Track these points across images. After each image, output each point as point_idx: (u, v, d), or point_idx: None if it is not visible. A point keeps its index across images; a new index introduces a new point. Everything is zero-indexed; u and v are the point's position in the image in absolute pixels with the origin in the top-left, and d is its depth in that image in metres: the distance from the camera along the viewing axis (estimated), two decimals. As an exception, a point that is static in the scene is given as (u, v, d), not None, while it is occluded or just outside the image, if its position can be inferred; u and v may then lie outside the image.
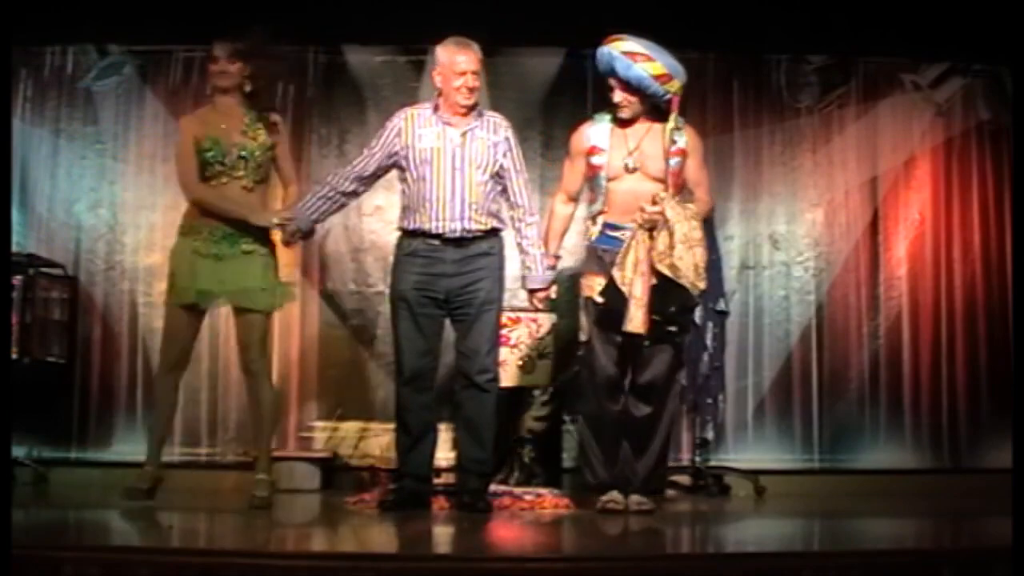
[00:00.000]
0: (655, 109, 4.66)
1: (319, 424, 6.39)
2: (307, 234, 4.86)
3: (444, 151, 4.64)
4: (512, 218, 4.79)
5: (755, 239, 6.57)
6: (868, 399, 6.52)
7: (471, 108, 4.70)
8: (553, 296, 4.92)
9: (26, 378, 5.68)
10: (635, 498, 4.61)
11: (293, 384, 6.44)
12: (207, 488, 5.76)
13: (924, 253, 6.63)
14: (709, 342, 6.12)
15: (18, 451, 5.89)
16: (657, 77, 4.54)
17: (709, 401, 6.16)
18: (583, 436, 4.77)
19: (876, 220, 6.63)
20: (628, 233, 4.53)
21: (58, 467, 6.10)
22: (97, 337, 6.36)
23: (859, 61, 6.71)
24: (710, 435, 6.18)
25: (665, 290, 4.46)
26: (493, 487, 5.01)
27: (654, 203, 4.50)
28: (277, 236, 4.77)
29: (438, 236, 4.63)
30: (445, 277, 4.64)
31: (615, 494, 4.62)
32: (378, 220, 6.50)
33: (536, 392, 5.74)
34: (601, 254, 4.63)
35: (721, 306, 6.16)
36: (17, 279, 5.83)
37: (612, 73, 4.60)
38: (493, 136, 4.71)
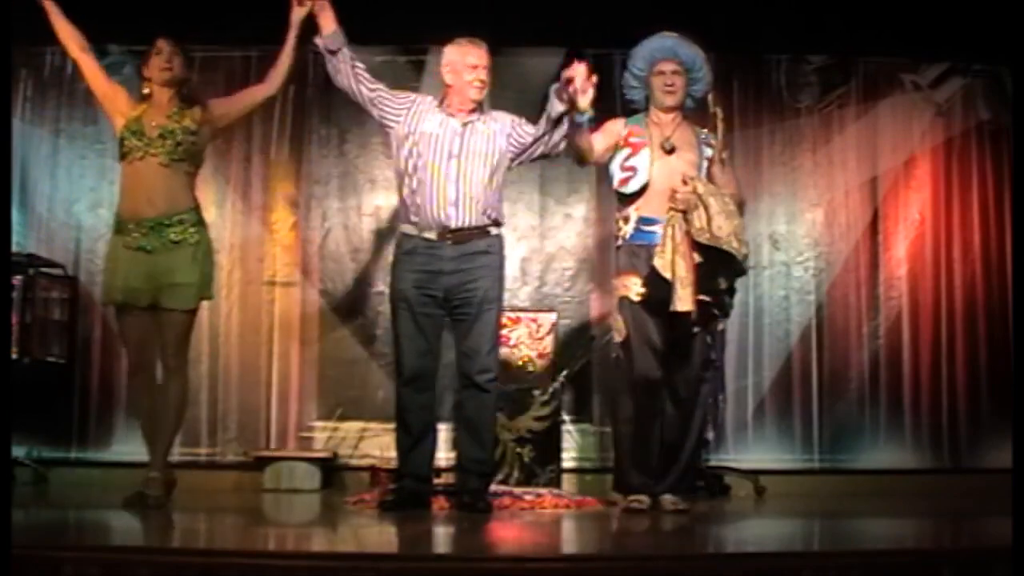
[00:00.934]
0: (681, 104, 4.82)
1: (319, 424, 6.39)
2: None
3: (443, 139, 4.65)
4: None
5: (755, 239, 6.55)
6: (868, 399, 6.52)
7: (478, 105, 4.71)
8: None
9: (26, 378, 5.68)
10: (669, 498, 4.62)
11: (293, 384, 6.44)
12: (207, 488, 5.76)
13: (924, 253, 6.63)
14: (709, 342, 6.12)
15: (18, 451, 5.90)
16: (706, 62, 4.82)
17: (709, 401, 6.15)
18: (619, 438, 4.72)
19: (876, 220, 6.63)
20: (662, 226, 4.55)
21: (58, 467, 6.11)
22: (97, 337, 6.35)
23: (859, 61, 6.72)
24: (710, 435, 6.17)
25: (710, 265, 4.48)
26: (493, 487, 5.01)
27: (685, 184, 4.54)
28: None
29: (436, 230, 4.63)
30: (444, 275, 4.63)
31: (641, 496, 4.62)
32: (378, 220, 6.51)
33: (536, 392, 5.74)
34: (636, 251, 4.63)
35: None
36: (17, 279, 5.83)
37: (672, 57, 4.75)
38: (494, 125, 4.72)
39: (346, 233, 6.56)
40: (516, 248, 6.44)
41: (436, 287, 4.64)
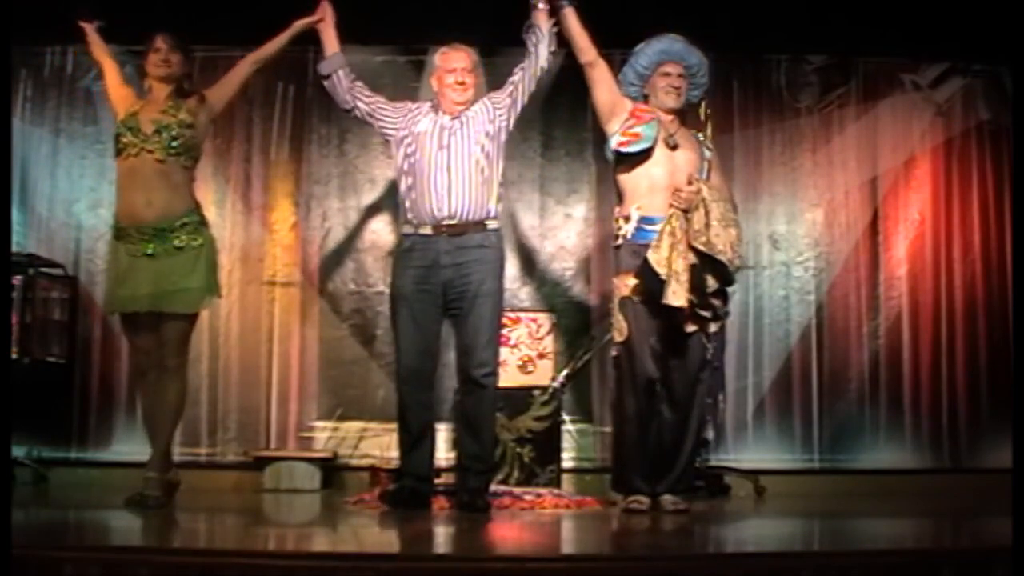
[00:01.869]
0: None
1: (319, 424, 6.39)
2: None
3: (434, 134, 4.73)
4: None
5: (755, 239, 6.56)
6: (868, 399, 6.52)
7: (467, 105, 4.79)
8: None
9: (26, 378, 5.68)
10: (669, 498, 4.62)
11: (293, 384, 6.44)
12: (207, 488, 5.76)
13: (924, 253, 6.63)
14: (709, 342, 6.12)
15: (18, 451, 5.89)
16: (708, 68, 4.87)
17: (709, 401, 6.15)
18: (619, 437, 4.72)
19: (876, 220, 6.63)
20: (664, 221, 4.56)
21: (58, 467, 6.10)
22: (97, 337, 6.35)
23: (859, 61, 6.71)
24: (710, 435, 6.16)
25: (702, 269, 4.50)
26: (493, 487, 5.01)
27: (690, 183, 4.56)
28: None
29: (431, 224, 4.66)
30: (440, 268, 4.65)
31: (640, 496, 4.62)
32: (378, 220, 6.51)
33: (536, 392, 5.74)
34: (638, 250, 4.61)
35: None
36: (17, 279, 5.83)
37: (680, 60, 4.77)
38: (476, 110, 4.80)
39: (346, 233, 6.56)
40: (516, 248, 6.44)
41: (434, 281, 4.66)
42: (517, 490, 5.34)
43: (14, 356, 5.68)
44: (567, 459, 6.05)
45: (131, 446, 6.01)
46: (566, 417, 6.03)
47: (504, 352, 5.50)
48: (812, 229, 6.65)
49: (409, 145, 4.77)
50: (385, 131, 4.88)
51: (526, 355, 5.88)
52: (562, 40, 4.79)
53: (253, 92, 6.49)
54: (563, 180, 6.62)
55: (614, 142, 4.72)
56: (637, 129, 4.68)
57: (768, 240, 6.62)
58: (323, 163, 6.59)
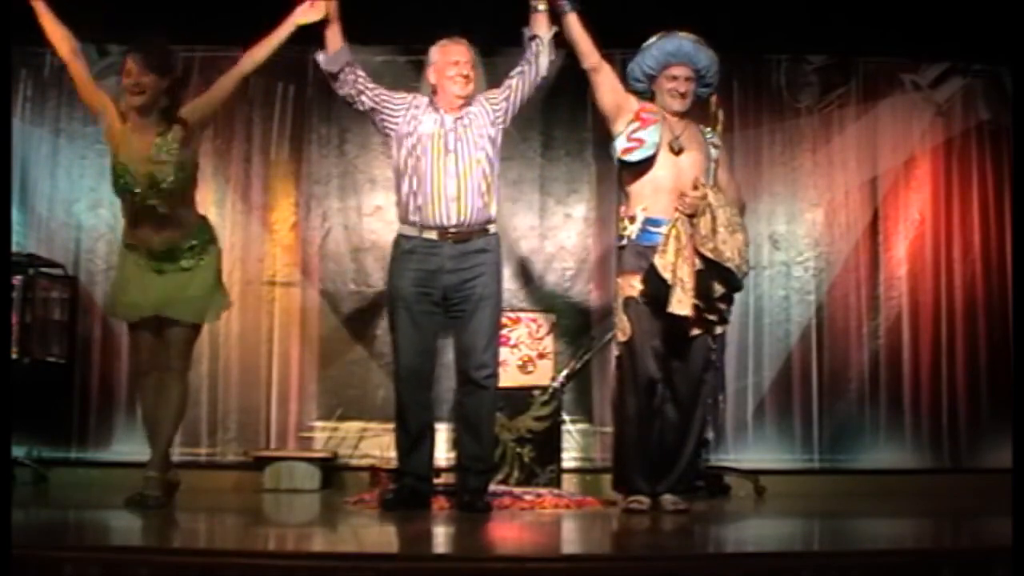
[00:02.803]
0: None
1: (319, 424, 6.39)
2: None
3: (439, 137, 4.66)
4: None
5: (755, 239, 6.53)
6: (868, 399, 6.52)
7: (466, 100, 4.72)
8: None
9: (26, 378, 5.68)
10: (670, 498, 4.62)
11: (293, 384, 6.45)
12: (207, 488, 5.76)
13: (924, 253, 6.63)
14: (711, 345, 6.12)
15: (18, 451, 5.89)
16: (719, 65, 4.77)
17: (709, 401, 6.15)
18: (620, 437, 4.72)
19: (876, 220, 6.64)
20: (669, 225, 4.54)
21: (58, 467, 6.11)
22: (97, 337, 6.35)
23: (859, 61, 6.72)
24: (710, 435, 6.16)
25: (708, 275, 4.48)
26: (493, 487, 5.01)
27: (695, 188, 4.53)
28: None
29: (436, 230, 4.63)
30: (442, 273, 4.64)
31: (641, 496, 4.62)
32: (378, 220, 6.51)
33: (536, 392, 5.74)
34: (642, 251, 4.59)
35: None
36: (17, 279, 5.83)
37: (687, 62, 4.70)
38: (475, 110, 4.73)
39: (346, 233, 6.56)
40: (516, 248, 6.44)
41: (435, 286, 4.64)
42: (517, 490, 5.34)
43: (14, 356, 5.68)
44: (567, 459, 6.05)
45: (131, 446, 6.01)
46: (566, 417, 6.03)
47: (504, 352, 5.50)
48: (812, 229, 6.65)
49: (412, 145, 4.68)
50: (387, 125, 4.76)
51: (526, 355, 5.88)
52: (561, 41, 4.77)
53: (253, 92, 6.50)
54: (563, 180, 6.62)
55: (619, 147, 4.69)
56: (640, 135, 4.65)
57: (768, 240, 6.62)
58: (323, 163, 6.60)
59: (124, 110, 4.51)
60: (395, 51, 6.52)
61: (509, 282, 5.99)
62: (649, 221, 4.62)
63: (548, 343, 5.91)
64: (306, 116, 6.58)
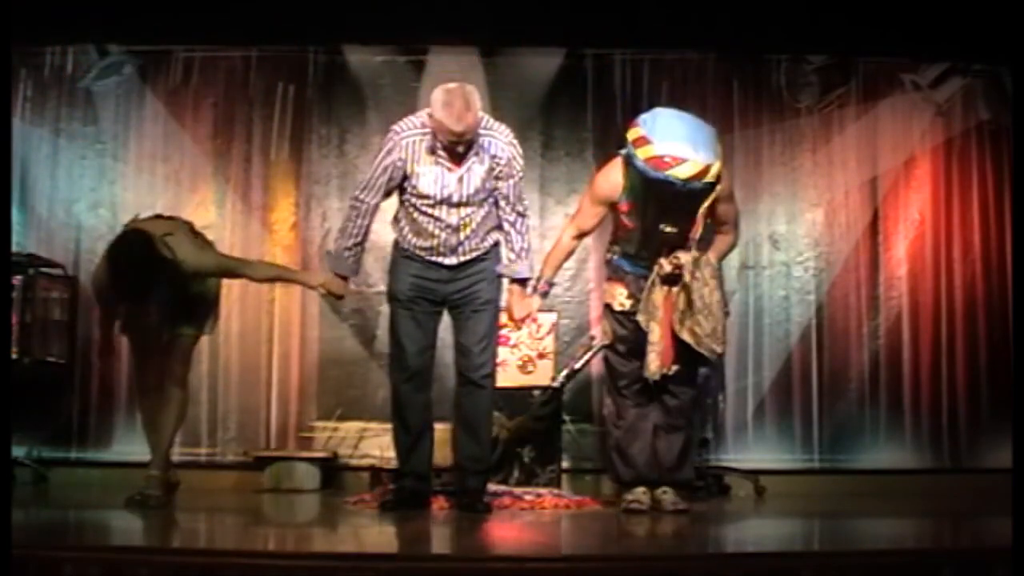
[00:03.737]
0: None
1: (319, 424, 6.39)
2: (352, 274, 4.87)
3: (440, 195, 4.52)
4: (504, 221, 4.65)
5: (755, 239, 6.56)
6: (868, 399, 6.52)
7: (467, 136, 4.44)
8: (535, 320, 4.88)
9: (26, 378, 5.68)
10: (670, 498, 4.63)
11: (293, 384, 6.45)
12: (207, 488, 5.76)
13: (924, 253, 6.63)
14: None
15: (18, 451, 5.89)
16: (693, 177, 4.28)
17: (709, 401, 6.16)
18: (606, 436, 4.78)
19: (876, 220, 6.63)
20: (646, 263, 4.56)
21: (58, 467, 6.11)
22: (97, 337, 6.35)
23: (859, 61, 6.71)
24: (710, 435, 6.17)
25: (684, 348, 4.54)
26: (493, 487, 5.01)
27: (673, 261, 4.50)
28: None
29: (433, 263, 4.64)
30: (442, 283, 4.64)
31: (639, 494, 4.63)
32: (378, 220, 6.49)
33: (536, 392, 5.74)
34: (622, 272, 4.67)
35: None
36: (17, 279, 5.84)
37: (682, 188, 4.31)
38: (490, 161, 4.52)
39: (346, 233, 6.55)
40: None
41: (434, 294, 4.66)
42: (517, 490, 5.34)
43: (14, 356, 5.68)
44: (567, 459, 6.05)
45: (131, 446, 6.01)
46: (566, 417, 6.03)
47: (504, 352, 5.50)
48: (812, 229, 6.65)
49: (414, 189, 4.54)
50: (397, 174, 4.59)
51: (526, 355, 5.87)
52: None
53: (253, 92, 6.50)
54: (563, 180, 6.62)
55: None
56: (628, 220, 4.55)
57: (768, 240, 6.62)
58: (323, 163, 6.59)
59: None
60: (395, 51, 6.51)
61: (509, 283, 5.97)
62: (625, 254, 4.65)
63: (548, 343, 5.91)
64: (306, 116, 6.57)
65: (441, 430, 4.89)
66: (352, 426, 6.35)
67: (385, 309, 5.40)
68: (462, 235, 4.59)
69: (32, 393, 5.69)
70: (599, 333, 6.13)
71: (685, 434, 4.71)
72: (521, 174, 4.63)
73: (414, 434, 4.68)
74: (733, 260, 6.52)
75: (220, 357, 6.36)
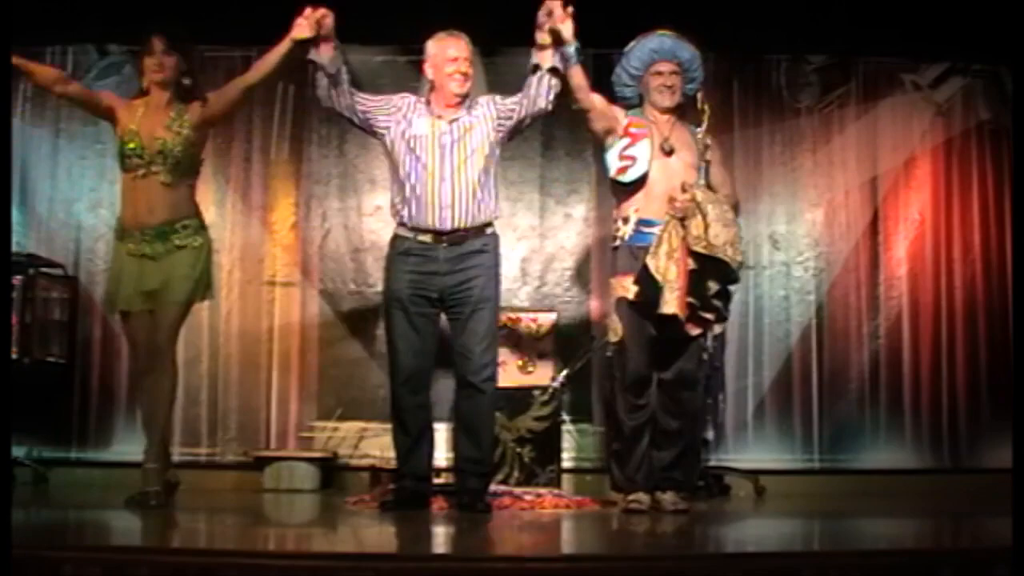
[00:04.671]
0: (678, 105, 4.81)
1: (319, 424, 6.39)
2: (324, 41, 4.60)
3: (435, 141, 4.61)
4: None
5: (755, 239, 6.56)
6: (868, 399, 6.52)
7: (463, 99, 4.68)
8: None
9: (26, 378, 5.68)
10: (670, 498, 4.62)
11: (293, 384, 6.44)
12: (207, 488, 5.76)
13: (924, 253, 6.63)
14: (709, 342, 6.12)
15: (18, 451, 5.90)
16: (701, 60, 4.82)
17: (709, 401, 6.16)
18: (616, 437, 4.74)
19: (876, 220, 6.64)
20: (661, 227, 4.55)
21: (58, 467, 6.11)
22: (97, 337, 6.35)
23: (859, 61, 6.72)
24: (710, 435, 6.17)
25: (703, 273, 4.49)
26: (493, 487, 5.01)
27: (684, 191, 4.54)
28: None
29: (431, 234, 4.61)
30: (439, 275, 4.62)
31: (639, 494, 4.62)
32: (378, 220, 6.50)
33: (536, 392, 5.74)
34: (636, 252, 4.61)
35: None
36: (17, 279, 5.83)
37: (671, 58, 4.74)
38: (477, 113, 4.68)
39: (346, 233, 6.56)
40: (516, 248, 6.45)
41: (431, 288, 4.63)
42: (517, 490, 5.34)
43: (14, 356, 5.68)
44: (567, 459, 6.05)
45: (131, 446, 5.99)
46: (566, 417, 6.03)
47: (504, 352, 5.50)
48: (812, 229, 6.65)
49: (408, 150, 4.64)
50: (378, 129, 4.69)
51: (526, 355, 5.87)
52: (558, 39, 4.73)
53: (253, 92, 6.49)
54: (563, 180, 6.62)
55: (612, 168, 4.72)
56: (632, 151, 4.69)
57: (768, 240, 6.62)
58: (323, 163, 6.60)
59: (146, 86, 4.65)
60: (395, 51, 6.52)
61: (509, 283, 5.98)
62: (642, 222, 4.64)
63: (548, 343, 5.90)
64: (306, 116, 6.58)
65: (443, 430, 4.89)
66: (352, 426, 6.36)
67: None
68: (456, 189, 4.58)
69: (32, 393, 5.68)
70: (599, 333, 6.16)
71: (690, 438, 4.71)
72: None
73: (412, 436, 4.68)
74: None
75: (220, 357, 6.37)
